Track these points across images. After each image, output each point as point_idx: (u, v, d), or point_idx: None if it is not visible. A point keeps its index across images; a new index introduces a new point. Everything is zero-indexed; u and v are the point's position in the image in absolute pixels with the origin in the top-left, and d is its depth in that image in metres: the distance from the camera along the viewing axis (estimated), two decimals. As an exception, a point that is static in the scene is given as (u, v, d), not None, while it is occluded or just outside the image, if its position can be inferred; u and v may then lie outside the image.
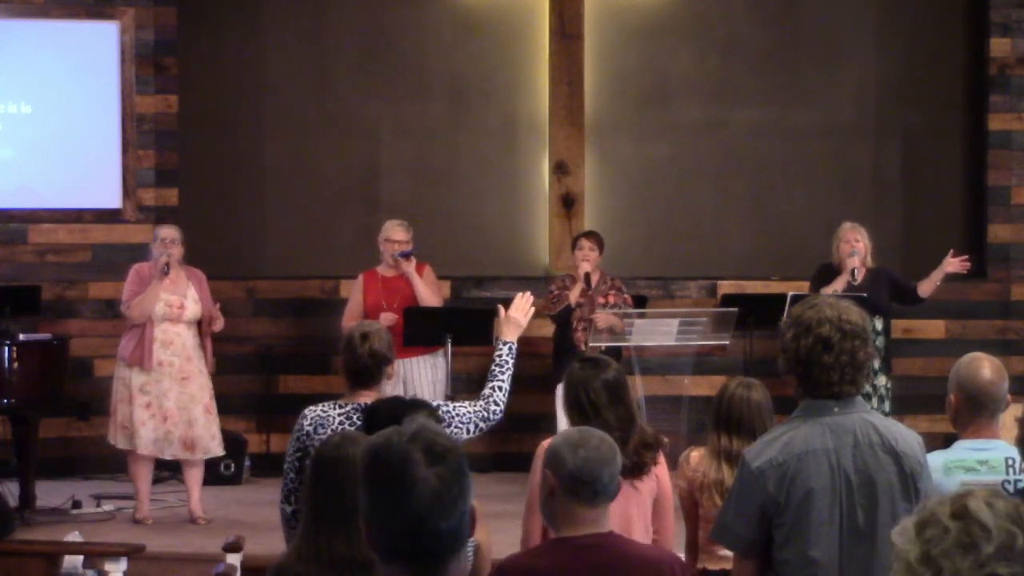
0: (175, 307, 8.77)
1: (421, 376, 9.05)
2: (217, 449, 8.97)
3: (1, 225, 10.40)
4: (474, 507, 2.38)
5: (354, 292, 9.34)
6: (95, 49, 10.45)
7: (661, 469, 5.06)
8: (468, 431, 5.37)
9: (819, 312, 3.85)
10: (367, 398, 5.35)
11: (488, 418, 5.40)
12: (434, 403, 5.41)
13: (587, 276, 9.16)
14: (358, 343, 5.35)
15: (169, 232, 8.90)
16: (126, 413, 8.72)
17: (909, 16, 11.29)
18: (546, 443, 5.07)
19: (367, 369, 5.36)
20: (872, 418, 3.92)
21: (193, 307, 8.82)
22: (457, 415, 5.34)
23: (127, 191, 10.54)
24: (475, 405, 5.40)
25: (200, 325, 8.89)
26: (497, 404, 5.38)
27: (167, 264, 8.70)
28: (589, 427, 3.90)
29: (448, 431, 5.30)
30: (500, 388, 5.40)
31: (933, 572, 2.07)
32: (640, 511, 4.98)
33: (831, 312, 3.84)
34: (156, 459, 8.91)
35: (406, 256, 9.11)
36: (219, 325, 8.89)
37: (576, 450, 3.74)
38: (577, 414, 5.00)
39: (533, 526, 5.04)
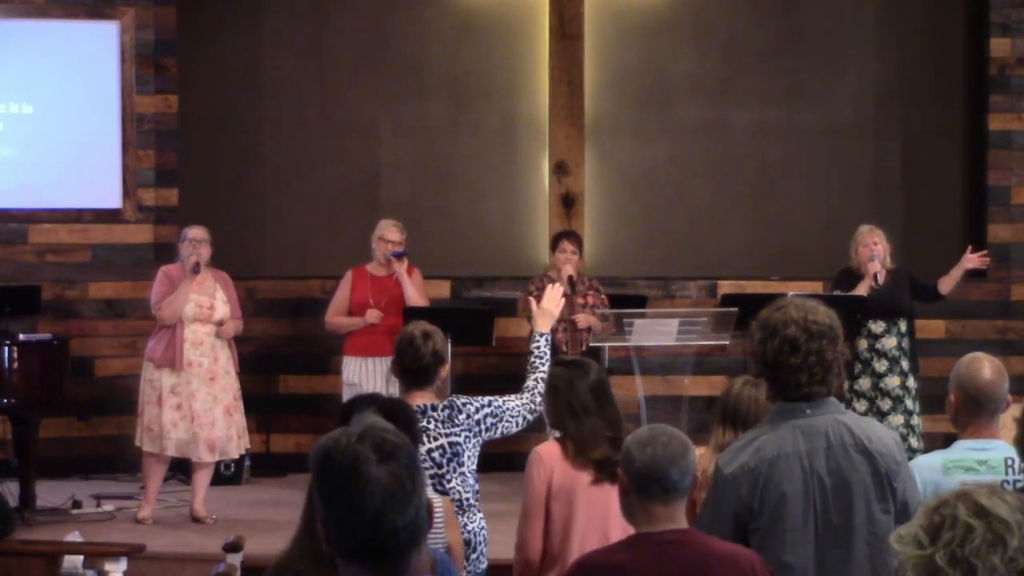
0: (205, 308, 8.77)
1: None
2: (233, 451, 8.96)
3: (1, 225, 10.39)
4: (430, 500, 2.40)
5: (341, 287, 9.36)
6: (95, 49, 10.45)
7: None
8: (517, 424, 5.48)
9: (785, 314, 3.85)
10: (422, 399, 5.36)
11: (535, 409, 5.51)
12: (485, 399, 5.44)
13: (571, 279, 9.14)
14: (421, 343, 5.34)
15: (198, 232, 8.88)
16: (153, 415, 8.69)
17: (909, 16, 11.28)
18: (540, 449, 5.09)
19: (427, 369, 5.36)
20: (845, 419, 3.91)
21: (222, 308, 8.83)
22: (507, 409, 5.42)
23: (127, 191, 10.54)
24: (522, 398, 5.49)
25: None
26: (542, 394, 5.43)
27: (197, 263, 8.70)
28: (661, 424, 3.91)
29: (501, 426, 5.37)
30: (543, 379, 5.48)
31: (963, 571, 2.08)
32: None
33: (797, 313, 3.83)
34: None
35: (399, 256, 9.11)
36: (232, 331, 8.88)
37: (644, 448, 3.74)
38: (577, 408, 5.01)
39: (531, 533, 5.03)
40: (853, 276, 9.15)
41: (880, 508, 3.83)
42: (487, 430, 5.41)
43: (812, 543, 3.80)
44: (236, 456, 9.11)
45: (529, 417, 5.50)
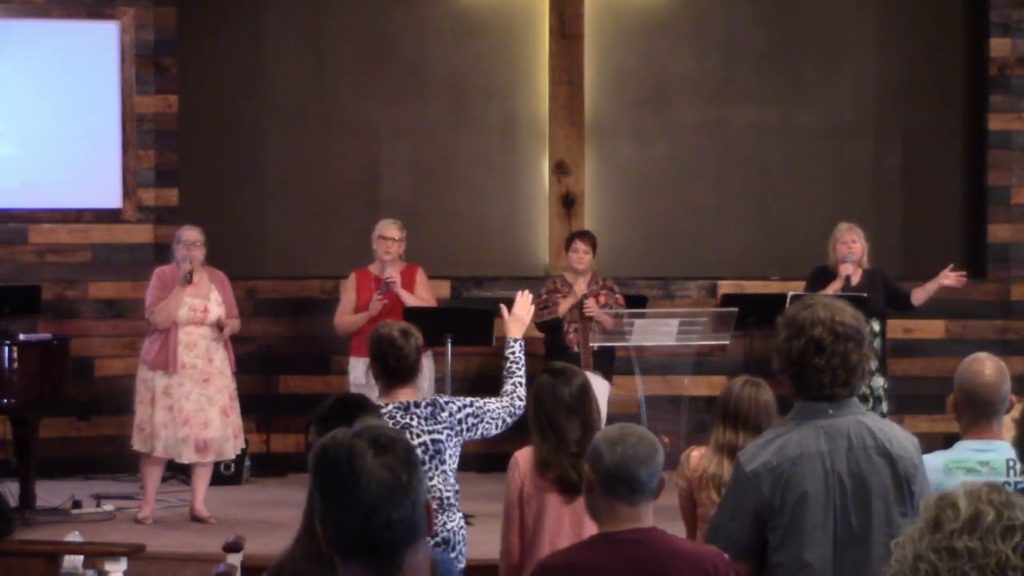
0: (199, 311, 8.75)
1: None
2: (230, 452, 8.96)
3: (1, 225, 10.39)
4: (429, 502, 2.39)
5: (347, 290, 9.34)
6: (95, 49, 10.44)
7: None
8: (497, 426, 5.54)
9: (813, 313, 3.85)
10: (406, 396, 5.37)
11: (514, 412, 5.57)
12: (467, 400, 5.48)
13: (583, 295, 9.11)
14: (403, 342, 5.37)
15: (191, 234, 8.82)
16: (146, 415, 8.71)
17: (909, 16, 11.28)
18: (518, 454, 5.10)
19: (412, 366, 5.39)
20: (867, 420, 3.92)
21: (216, 309, 8.81)
22: (488, 411, 5.46)
23: (127, 191, 10.53)
24: (502, 401, 5.57)
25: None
26: (520, 399, 5.55)
27: (190, 272, 8.67)
28: (631, 424, 3.90)
29: (481, 426, 5.41)
30: (520, 383, 5.58)
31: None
32: None
33: (824, 314, 3.84)
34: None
35: (388, 286, 9.03)
36: (228, 331, 8.88)
37: (614, 447, 3.73)
38: (545, 423, 5.02)
39: (509, 536, 5.04)
40: (827, 275, 9.13)
41: (898, 511, 3.83)
42: (468, 430, 5.43)
43: (831, 543, 3.80)
44: (232, 457, 9.11)
45: (508, 420, 5.56)
